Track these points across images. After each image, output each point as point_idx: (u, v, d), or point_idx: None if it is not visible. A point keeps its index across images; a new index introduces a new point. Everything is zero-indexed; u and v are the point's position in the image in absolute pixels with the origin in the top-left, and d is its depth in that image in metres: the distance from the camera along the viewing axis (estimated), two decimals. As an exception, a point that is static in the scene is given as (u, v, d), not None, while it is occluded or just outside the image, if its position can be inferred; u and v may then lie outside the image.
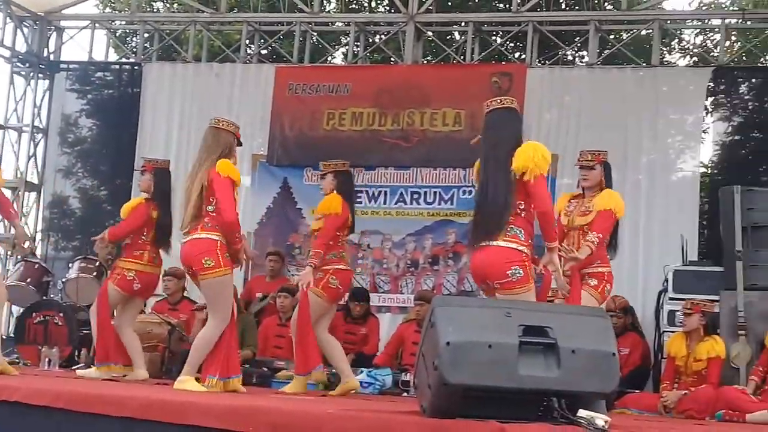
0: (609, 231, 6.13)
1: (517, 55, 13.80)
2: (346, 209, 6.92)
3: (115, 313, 7.25)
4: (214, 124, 6.23)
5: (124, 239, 7.26)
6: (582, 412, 3.75)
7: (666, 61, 13.96)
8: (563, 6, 14.44)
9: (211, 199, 6.01)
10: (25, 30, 12.21)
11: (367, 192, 10.71)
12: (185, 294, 9.14)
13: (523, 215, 5.12)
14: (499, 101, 5.39)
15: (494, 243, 5.05)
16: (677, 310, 7.90)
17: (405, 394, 7.61)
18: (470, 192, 10.36)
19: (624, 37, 11.84)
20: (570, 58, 13.78)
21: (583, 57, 13.78)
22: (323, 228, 6.86)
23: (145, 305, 8.58)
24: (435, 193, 10.57)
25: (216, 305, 6.06)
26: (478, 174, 5.36)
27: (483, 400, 3.75)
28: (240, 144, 6.35)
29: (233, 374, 6.11)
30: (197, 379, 6.00)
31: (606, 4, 11.89)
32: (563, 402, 3.80)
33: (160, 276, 7.56)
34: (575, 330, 3.87)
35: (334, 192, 7.01)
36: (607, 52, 11.31)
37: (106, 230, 7.36)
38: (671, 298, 8.36)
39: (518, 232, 5.06)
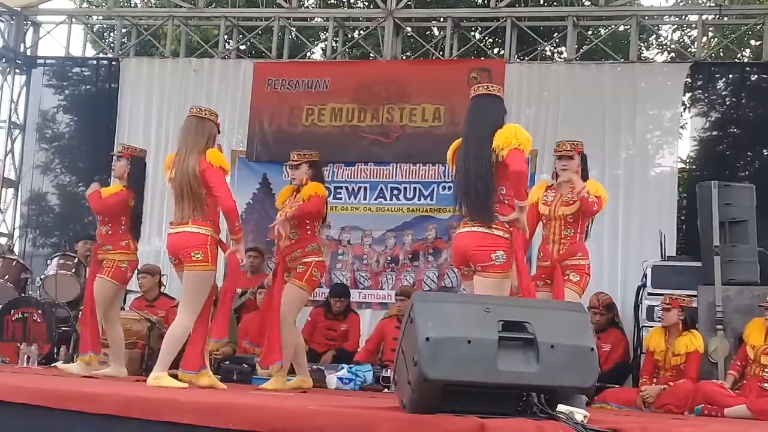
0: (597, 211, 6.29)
1: (495, 50, 13.82)
2: (325, 198, 6.95)
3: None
4: (195, 113, 6.19)
5: (103, 214, 7.17)
6: (561, 407, 3.76)
7: (644, 57, 14.01)
8: (541, 2, 14.45)
9: (202, 190, 5.98)
10: (1, 25, 12.14)
11: (346, 188, 10.72)
12: (162, 290, 9.11)
13: (506, 201, 5.27)
14: (485, 87, 5.53)
15: (480, 229, 5.23)
16: (656, 305, 7.93)
17: (386, 390, 7.63)
18: (450, 188, 10.37)
19: (602, 33, 11.88)
20: (548, 53, 13.82)
21: (561, 53, 13.82)
22: (310, 203, 6.77)
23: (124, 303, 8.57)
24: (415, 188, 10.58)
25: (192, 299, 6.06)
26: (455, 156, 5.48)
27: (463, 395, 3.75)
28: (218, 132, 6.31)
29: (201, 367, 6.11)
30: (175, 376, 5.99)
31: (584, 0, 11.92)
32: (542, 397, 3.81)
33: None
34: (554, 325, 3.88)
35: (311, 181, 6.96)
36: (585, 47, 11.35)
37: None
38: (650, 294, 8.40)
39: (504, 219, 5.24)
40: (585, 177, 6.45)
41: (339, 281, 10.28)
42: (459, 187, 5.48)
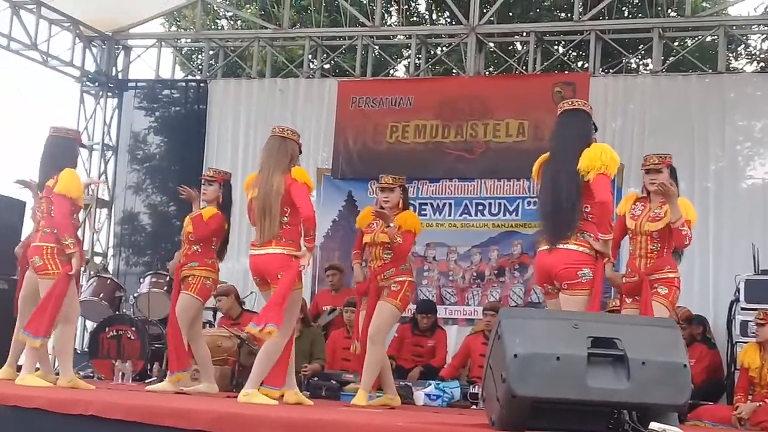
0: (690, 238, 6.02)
1: (579, 64, 13.72)
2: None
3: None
4: (278, 133, 6.27)
5: (204, 238, 7.24)
6: (654, 425, 3.72)
7: (732, 67, 13.75)
8: (626, 14, 14.32)
9: (286, 209, 6.04)
10: (94, 50, 12.49)
11: (431, 204, 10.74)
12: (244, 307, 9.19)
13: (590, 219, 5.28)
14: (569, 103, 5.53)
15: (565, 246, 5.23)
16: (750, 320, 7.76)
17: (473, 406, 7.60)
18: (535, 203, 10.31)
19: (689, 44, 11.69)
20: (634, 65, 13.66)
21: (647, 64, 13.65)
22: (405, 244, 6.88)
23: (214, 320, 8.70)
24: (500, 204, 10.54)
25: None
26: (539, 172, 5.48)
27: (552, 412, 3.74)
28: (300, 152, 6.42)
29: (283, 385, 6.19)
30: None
31: (669, 11, 11.75)
32: (634, 414, 3.77)
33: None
34: (645, 341, 3.84)
35: (401, 205, 7.04)
36: (671, 59, 11.18)
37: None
38: (743, 308, 8.21)
39: (588, 237, 5.26)
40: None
41: (425, 297, 10.28)
42: (542, 204, 5.47)
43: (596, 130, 5.64)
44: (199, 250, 7.22)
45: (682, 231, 5.85)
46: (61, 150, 6.72)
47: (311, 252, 6.17)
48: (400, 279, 6.83)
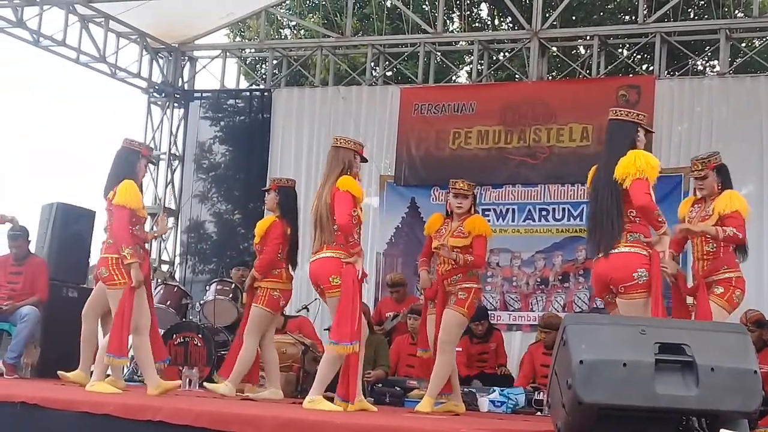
0: (743, 231, 5.89)
1: (644, 67, 13.56)
2: None
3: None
4: (334, 144, 6.36)
5: (272, 266, 7.31)
6: (723, 432, 3.66)
7: (802, 68, 13.46)
8: (692, 15, 14.12)
9: (333, 219, 6.09)
10: (160, 61, 12.70)
11: (495, 210, 10.70)
12: (285, 314, 9.15)
13: (638, 221, 5.28)
14: (613, 112, 5.58)
15: (617, 250, 5.22)
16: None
17: (538, 413, 7.55)
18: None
19: (756, 45, 11.49)
20: (700, 67, 13.46)
21: (714, 66, 13.45)
22: (478, 250, 6.84)
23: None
24: (564, 209, 10.46)
25: None
26: (592, 182, 5.51)
27: (619, 419, 3.71)
28: (365, 160, 6.45)
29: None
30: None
31: (736, 11, 11.56)
32: (704, 421, 3.72)
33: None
34: (713, 347, 3.79)
35: (473, 212, 7.03)
36: (739, 60, 10.99)
37: (251, 271, 7.43)
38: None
39: (638, 236, 5.24)
40: (726, 188, 6.15)
41: (485, 304, 10.28)
42: (589, 214, 5.51)
43: (651, 132, 5.62)
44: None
45: (730, 236, 5.77)
46: (123, 161, 6.82)
47: (359, 256, 6.12)
48: (467, 286, 6.78)
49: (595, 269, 5.42)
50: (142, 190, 6.93)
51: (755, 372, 3.77)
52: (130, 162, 6.81)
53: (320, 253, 6.14)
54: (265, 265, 7.25)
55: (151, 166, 12.54)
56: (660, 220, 5.22)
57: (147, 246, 7.24)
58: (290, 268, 7.44)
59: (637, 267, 5.17)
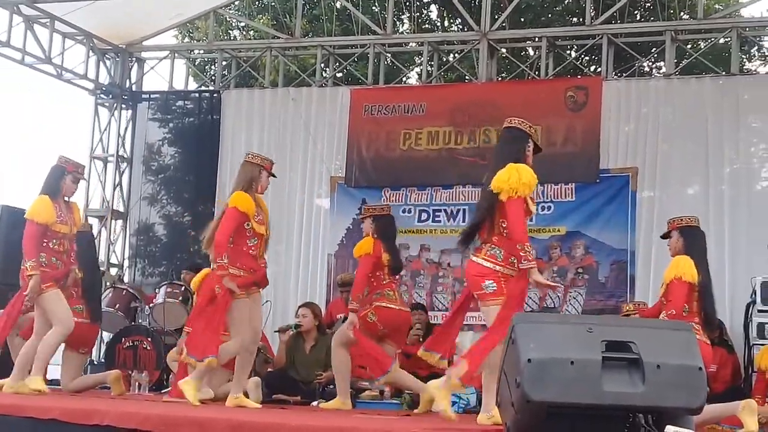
0: (682, 301, 6.00)
1: (592, 68, 13.70)
2: (378, 250, 7.04)
3: None
4: (245, 158, 6.73)
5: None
6: (669, 428, 3.70)
7: (746, 69, 13.71)
8: (638, 17, 14.30)
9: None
10: (108, 62, 12.56)
11: (445, 210, 10.73)
12: None
13: (505, 235, 5.42)
14: (508, 121, 5.76)
15: (474, 258, 5.47)
16: (767, 323, 7.72)
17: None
18: (549, 208, 10.31)
19: (701, 46, 11.66)
20: (646, 69, 13.63)
21: (660, 68, 13.62)
22: (357, 271, 7.16)
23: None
24: (513, 210, 10.50)
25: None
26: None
27: (567, 417, 3.72)
28: (273, 175, 6.70)
29: None
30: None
31: (682, 13, 11.72)
32: (650, 418, 3.75)
33: None
34: (659, 344, 3.82)
35: (371, 235, 7.14)
36: (684, 61, 11.15)
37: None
38: (760, 310, 8.18)
39: (497, 251, 5.40)
40: (691, 252, 6.21)
41: (436, 304, 10.33)
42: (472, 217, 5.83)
43: (539, 150, 5.79)
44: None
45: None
46: (49, 177, 7.08)
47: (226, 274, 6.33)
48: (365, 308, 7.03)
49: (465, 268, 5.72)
50: (66, 205, 7.07)
51: (700, 368, 3.81)
52: (55, 178, 7.02)
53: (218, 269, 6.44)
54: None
55: (99, 169, 12.45)
56: (524, 253, 5.30)
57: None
58: None
59: (485, 279, 5.37)
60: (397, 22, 15.13)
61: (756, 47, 14.02)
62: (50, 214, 6.86)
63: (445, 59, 12.27)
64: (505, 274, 5.38)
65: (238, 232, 6.43)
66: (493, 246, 5.40)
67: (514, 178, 5.35)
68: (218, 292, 6.35)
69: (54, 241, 6.93)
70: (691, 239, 6.25)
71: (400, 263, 7.44)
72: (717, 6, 14.26)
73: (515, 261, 5.36)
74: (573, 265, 10.19)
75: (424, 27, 15.78)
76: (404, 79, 13.43)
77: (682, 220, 6.38)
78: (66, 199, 7.10)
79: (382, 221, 7.26)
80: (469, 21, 11.62)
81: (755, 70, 14.31)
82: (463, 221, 10.64)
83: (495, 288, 5.35)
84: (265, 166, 6.62)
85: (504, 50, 12.04)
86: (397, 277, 7.48)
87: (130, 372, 8.39)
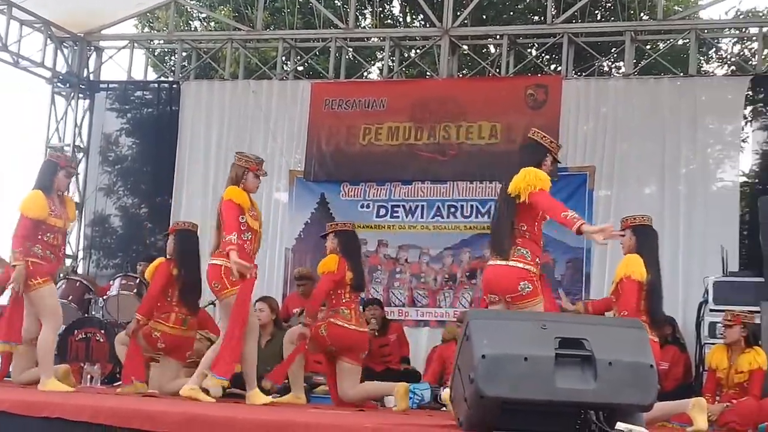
0: (634, 299, 6.05)
1: (552, 67, 13.76)
2: (343, 269, 7.03)
3: None
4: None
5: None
6: (620, 425, 3.73)
7: (704, 71, 13.85)
8: (598, 17, 14.39)
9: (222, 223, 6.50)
10: (65, 51, 12.40)
11: (404, 206, 10.74)
12: None
13: (527, 236, 5.56)
14: (532, 132, 5.87)
15: (504, 262, 5.50)
16: (718, 322, 7.80)
17: (443, 408, 7.58)
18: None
19: (660, 47, 11.77)
20: (606, 69, 13.72)
21: (619, 68, 13.72)
22: (316, 287, 7.20)
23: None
24: (472, 206, 10.56)
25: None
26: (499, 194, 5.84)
27: (519, 413, 3.74)
28: (257, 177, 6.69)
29: None
30: None
31: (642, 14, 11.82)
32: (601, 415, 3.78)
33: None
34: (611, 342, 3.85)
35: (335, 252, 7.15)
36: (643, 62, 11.24)
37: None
38: (712, 310, 8.26)
39: (525, 252, 5.51)
40: (643, 251, 6.26)
41: (393, 300, 10.35)
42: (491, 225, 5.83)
43: (558, 162, 5.92)
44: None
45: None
46: (40, 173, 7.05)
47: (236, 265, 6.28)
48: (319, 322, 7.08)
49: (485, 274, 5.74)
50: (60, 199, 7.04)
51: (651, 366, 3.85)
52: (48, 173, 7.01)
53: (212, 259, 6.56)
54: (146, 307, 7.36)
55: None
56: (570, 217, 5.34)
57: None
58: (186, 311, 7.46)
59: (521, 280, 5.44)
60: (359, 17, 15.09)
61: (714, 49, 14.17)
62: (43, 209, 6.85)
63: (406, 55, 12.27)
64: (534, 273, 5.49)
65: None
66: (519, 248, 5.50)
67: (531, 176, 5.48)
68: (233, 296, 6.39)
69: (48, 234, 6.93)
70: (643, 238, 6.31)
71: (363, 282, 7.45)
72: (676, 8, 14.40)
73: (539, 261, 5.56)
74: (530, 262, 10.22)
75: (386, 22, 15.76)
76: (365, 73, 13.41)
77: (635, 219, 6.44)
78: (60, 193, 7.08)
79: (344, 237, 7.27)
80: (432, 17, 11.63)
81: (713, 72, 14.46)
82: (422, 217, 10.68)
83: (531, 289, 5.45)
84: (250, 167, 6.66)
85: (465, 47, 12.07)
86: (358, 295, 7.45)
87: (82, 364, 8.29)
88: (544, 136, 5.80)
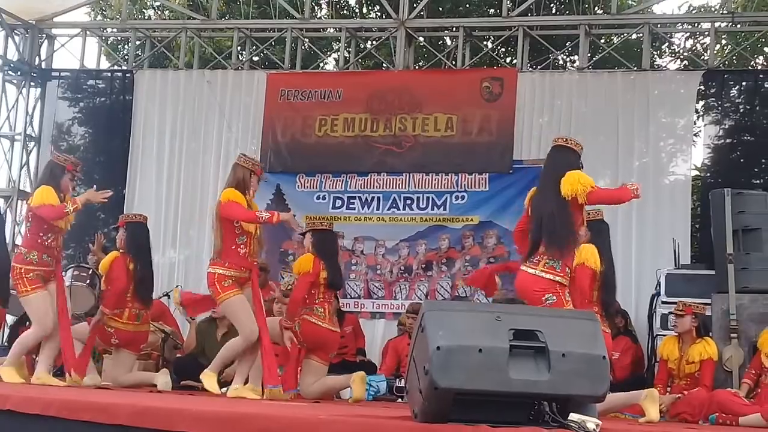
0: (586, 285, 6.09)
1: (508, 59, 13.81)
2: (318, 268, 7.07)
3: None
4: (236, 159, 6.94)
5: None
6: (573, 416, 3.76)
7: (656, 65, 13.98)
8: (553, 10, 14.45)
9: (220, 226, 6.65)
10: (16, 38, 12.21)
11: (360, 198, 10.73)
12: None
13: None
14: (561, 139, 5.90)
15: (530, 270, 5.47)
16: (670, 314, 7.90)
17: (399, 400, 7.62)
18: (462, 198, 10.39)
19: (614, 41, 11.86)
20: (561, 62, 13.81)
21: (573, 61, 13.82)
22: (293, 290, 7.23)
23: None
24: (428, 198, 10.58)
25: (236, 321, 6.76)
26: (531, 201, 5.73)
27: (474, 404, 3.76)
28: (258, 180, 6.88)
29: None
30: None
31: (596, 8, 11.90)
32: (554, 406, 3.81)
33: None
34: (565, 333, 3.88)
35: (310, 251, 7.20)
36: (597, 56, 11.33)
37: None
38: (664, 302, 8.36)
39: (555, 264, 5.44)
40: (596, 244, 6.29)
41: (348, 292, 10.34)
42: (533, 230, 5.63)
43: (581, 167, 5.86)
44: None
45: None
46: (48, 172, 7.16)
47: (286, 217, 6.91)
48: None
49: (516, 279, 5.63)
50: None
51: (604, 357, 3.88)
52: (55, 174, 7.03)
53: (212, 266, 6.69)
54: (113, 301, 7.34)
55: (6, 147, 12.12)
56: (622, 190, 5.74)
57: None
58: (139, 305, 7.46)
59: (546, 293, 5.41)
60: (316, 7, 15.00)
61: (666, 44, 14.31)
62: (56, 200, 6.87)
63: (362, 46, 12.24)
64: (563, 284, 5.47)
65: (226, 230, 6.60)
66: (551, 258, 5.46)
67: (583, 178, 5.52)
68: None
69: (50, 235, 6.95)
70: (596, 231, 6.39)
71: (339, 281, 7.54)
72: (630, 2, 14.52)
73: (569, 270, 5.53)
74: (485, 254, 10.29)
75: (342, 13, 15.71)
76: (321, 64, 13.37)
77: (588, 213, 6.49)
78: (62, 195, 7.01)
79: (320, 236, 7.29)
80: (387, 8, 11.61)
81: (665, 66, 14.62)
82: (377, 209, 10.67)
83: (555, 300, 5.40)
84: (256, 171, 6.78)
85: (421, 39, 12.07)
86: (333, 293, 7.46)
87: (34, 356, 8.18)
88: (578, 144, 5.83)
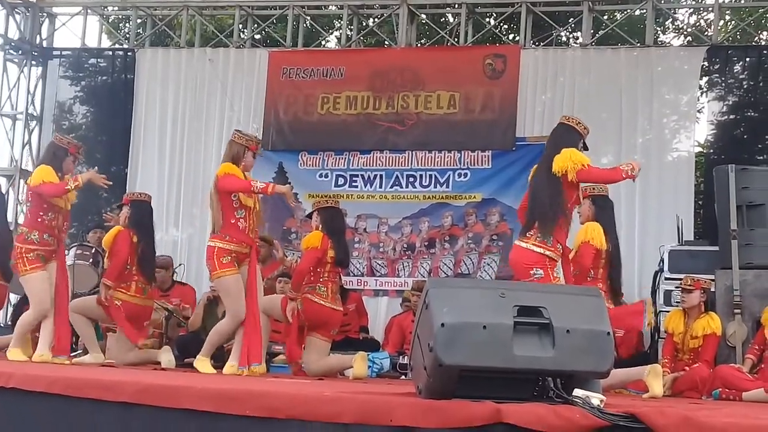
0: (588, 262, 6.21)
1: (511, 36, 13.76)
2: (326, 245, 7.06)
3: None
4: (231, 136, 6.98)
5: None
6: (577, 392, 3.75)
7: (660, 41, 13.92)
8: (557, -13, 14.36)
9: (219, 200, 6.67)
10: (18, 17, 12.18)
11: (362, 176, 10.72)
12: (175, 279, 9.16)
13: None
14: (565, 118, 5.94)
15: (523, 244, 5.55)
16: (673, 290, 7.89)
17: (403, 377, 7.63)
18: (465, 175, 10.37)
19: (618, 18, 11.81)
20: (564, 39, 13.75)
21: (577, 38, 13.75)
22: (299, 261, 7.29)
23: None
24: (430, 176, 10.57)
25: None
26: (533, 176, 5.80)
27: (478, 380, 3.75)
28: (254, 155, 6.88)
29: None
30: None
31: (600, -16, 11.84)
32: (559, 382, 3.80)
33: None
34: (569, 310, 3.87)
35: (318, 229, 7.19)
36: (601, 32, 11.28)
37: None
38: (667, 278, 8.35)
39: (546, 239, 5.51)
40: (601, 220, 6.43)
41: (352, 269, 10.34)
42: (530, 206, 5.72)
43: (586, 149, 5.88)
44: None
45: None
46: (49, 152, 7.21)
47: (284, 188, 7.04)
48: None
49: (511, 251, 5.79)
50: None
51: (608, 333, 3.87)
52: (58, 156, 7.04)
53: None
54: (115, 273, 7.37)
55: (8, 126, 12.10)
56: (615, 170, 5.74)
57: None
58: (144, 281, 7.49)
59: (533, 266, 5.48)
60: (317, -15, 14.95)
61: (670, 20, 14.25)
62: (56, 180, 6.88)
63: (365, 24, 12.20)
64: (552, 259, 5.51)
65: (225, 204, 6.62)
66: (543, 233, 5.51)
67: (576, 155, 5.55)
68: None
69: (50, 214, 6.95)
70: (601, 208, 6.39)
71: (346, 258, 7.50)
72: (634, -22, 14.43)
73: (561, 246, 5.56)
74: (488, 232, 10.29)
75: (344, -10, 15.61)
76: (323, 42, 13.32)
77: (594, 189, 6.50)
78: (63, 176, 7.01)
79: (327, 214, 7.28)
80: (390, -15, 11.55)
81: (669, 43, 14.56)
82: (380, 187, 10.66)
83: (542, 275, 5.45)
84: (250, 146, 6.77)
85: (424, 16, 12.02)
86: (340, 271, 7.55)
87: (36, 334, 8.19)
88: (579, 122, 5.83)
